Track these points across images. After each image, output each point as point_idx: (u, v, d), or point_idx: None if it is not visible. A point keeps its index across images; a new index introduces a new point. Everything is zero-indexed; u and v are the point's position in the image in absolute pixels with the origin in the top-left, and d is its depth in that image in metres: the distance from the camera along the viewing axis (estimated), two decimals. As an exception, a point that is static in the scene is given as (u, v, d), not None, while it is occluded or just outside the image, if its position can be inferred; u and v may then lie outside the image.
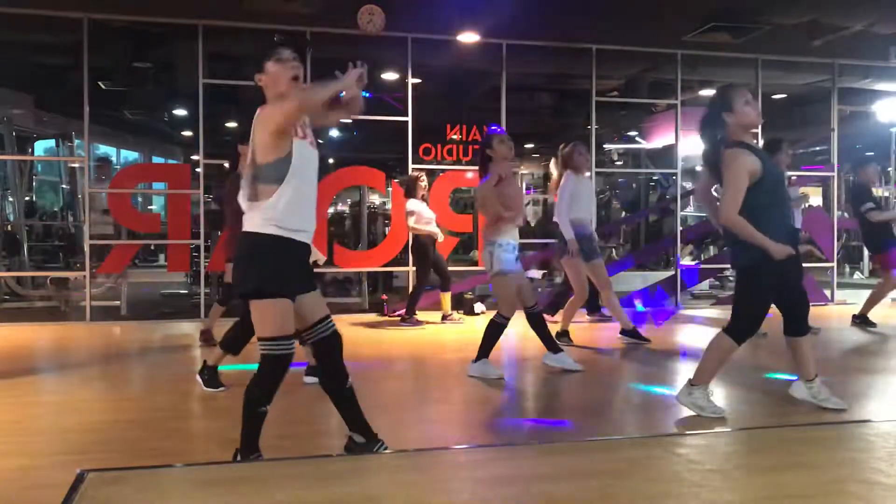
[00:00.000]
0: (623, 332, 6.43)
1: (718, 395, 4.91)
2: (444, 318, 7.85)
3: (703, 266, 11.00)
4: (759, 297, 3.93)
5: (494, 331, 5.06)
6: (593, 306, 7.76)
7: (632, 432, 3.91)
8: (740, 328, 3.93)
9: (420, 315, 7.81)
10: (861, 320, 7.39)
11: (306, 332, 3.08)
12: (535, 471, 2.45)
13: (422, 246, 7.69)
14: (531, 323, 5.19)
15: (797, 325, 4.06)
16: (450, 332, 7.35)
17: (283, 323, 2.91)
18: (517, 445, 3.39)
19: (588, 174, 6.82)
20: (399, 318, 7.84)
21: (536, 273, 8.83)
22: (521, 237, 5.32)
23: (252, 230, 2.91)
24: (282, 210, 2.88)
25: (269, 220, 2.88)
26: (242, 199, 2.95)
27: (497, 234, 5.00)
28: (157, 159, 17.73)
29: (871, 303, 7.41)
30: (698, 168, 14.34)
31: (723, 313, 8.97)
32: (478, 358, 5.08)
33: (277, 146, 2.88)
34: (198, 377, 4.75)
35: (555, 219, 6.26)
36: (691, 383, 4.03)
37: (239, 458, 2.95)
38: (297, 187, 2.90)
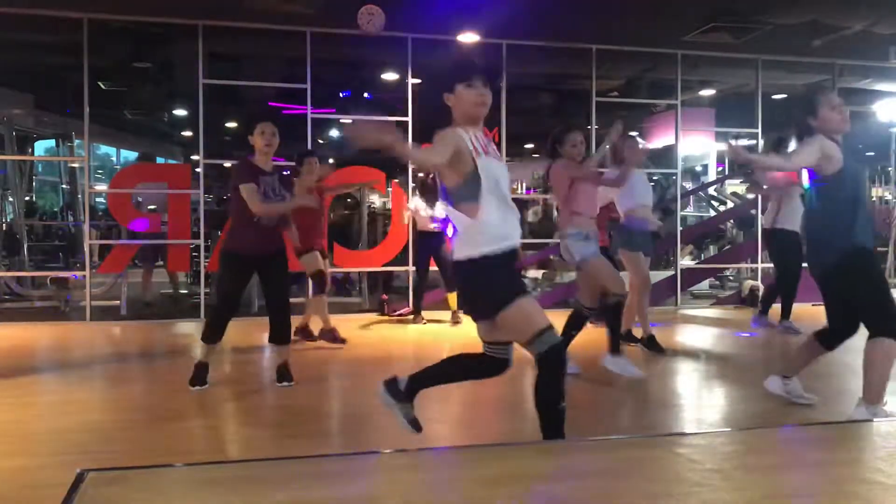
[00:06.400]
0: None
1: (718, 393, 4.93)
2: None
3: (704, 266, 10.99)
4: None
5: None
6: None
7: (632, 432, 3.92)
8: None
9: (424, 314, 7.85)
10: None
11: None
12: (535, 471, 2.44)
13: None
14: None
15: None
16: (450, 332, 7.34)
17: (541, 315, 2.93)
18: (517, 445, 3.38)
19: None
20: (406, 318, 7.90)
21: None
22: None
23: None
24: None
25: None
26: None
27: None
28: (157, 159, 17.72)
29: None
30: (698, 168, 14.38)
31: (723, 313, 8.99)
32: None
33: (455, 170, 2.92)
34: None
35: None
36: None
37: None
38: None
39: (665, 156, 11.57)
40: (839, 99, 3.87)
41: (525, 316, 2.90)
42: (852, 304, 3.81)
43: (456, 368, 3.25)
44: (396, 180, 9.45)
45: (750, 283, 9.59)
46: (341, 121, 11.64)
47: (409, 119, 8.69)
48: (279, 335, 4.79)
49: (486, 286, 2.94)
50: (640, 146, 5.94)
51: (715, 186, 12.87)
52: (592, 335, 6.93)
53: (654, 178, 13.62)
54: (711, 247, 12.59)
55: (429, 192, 7.54)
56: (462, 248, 2.95)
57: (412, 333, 7.29)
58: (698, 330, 7.95)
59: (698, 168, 14.40)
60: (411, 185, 8.57)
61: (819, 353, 4.10)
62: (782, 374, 4.20)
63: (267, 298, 4.78)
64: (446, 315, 7.85)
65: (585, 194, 5.03)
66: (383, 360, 5.90)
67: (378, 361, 5.79)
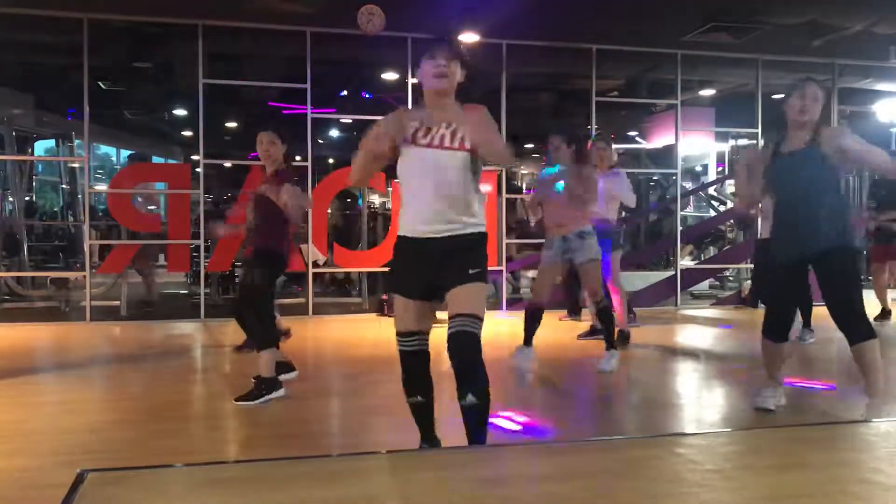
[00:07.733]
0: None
1: (718, 393, 4.93)
2: None
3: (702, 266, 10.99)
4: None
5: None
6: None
7: (632, 432, 3.92)
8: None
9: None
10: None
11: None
12: (535, 471, 2.44)
13: None
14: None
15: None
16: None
17: (398, 318, 3.02)
18: (517, 445, 3.38)
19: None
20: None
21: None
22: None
23: None
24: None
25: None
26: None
27: None
28: (156, 159, 17.73)
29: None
30: (698, 168, 14.38)
31: (723, 314, 8.99)
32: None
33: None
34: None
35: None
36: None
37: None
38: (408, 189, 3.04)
39: (665, 156, 11.57)
40: (810, 91, 3.89)
41: (395, 312, 3.03)
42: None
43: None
44: (396, 180, 9.44)
45: (749, 283, 9.59)
46: (341, 120, 11.65)
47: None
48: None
49: (391, 266, 3.16)
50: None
51: (715, 186, 12.87)
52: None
53: (655, 177, 13.67)
54: (711, 247, 12.59)
55: None
56: None
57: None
58: (698, 330, 7.95)
59: (698, 168, 14.40)
60: None
61: (786, 348, 4.10)
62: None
63: None
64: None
65: (548, 202, 5.31)
66: (383, 361, 5.89)
67: (378, 361, 5.78)
